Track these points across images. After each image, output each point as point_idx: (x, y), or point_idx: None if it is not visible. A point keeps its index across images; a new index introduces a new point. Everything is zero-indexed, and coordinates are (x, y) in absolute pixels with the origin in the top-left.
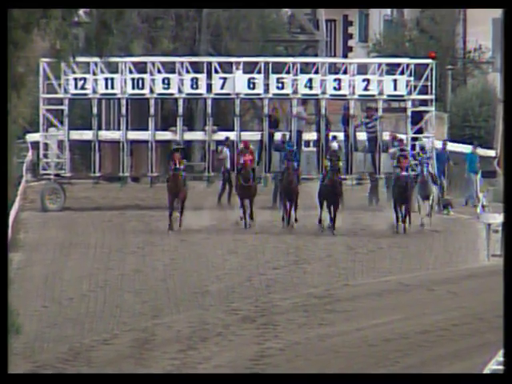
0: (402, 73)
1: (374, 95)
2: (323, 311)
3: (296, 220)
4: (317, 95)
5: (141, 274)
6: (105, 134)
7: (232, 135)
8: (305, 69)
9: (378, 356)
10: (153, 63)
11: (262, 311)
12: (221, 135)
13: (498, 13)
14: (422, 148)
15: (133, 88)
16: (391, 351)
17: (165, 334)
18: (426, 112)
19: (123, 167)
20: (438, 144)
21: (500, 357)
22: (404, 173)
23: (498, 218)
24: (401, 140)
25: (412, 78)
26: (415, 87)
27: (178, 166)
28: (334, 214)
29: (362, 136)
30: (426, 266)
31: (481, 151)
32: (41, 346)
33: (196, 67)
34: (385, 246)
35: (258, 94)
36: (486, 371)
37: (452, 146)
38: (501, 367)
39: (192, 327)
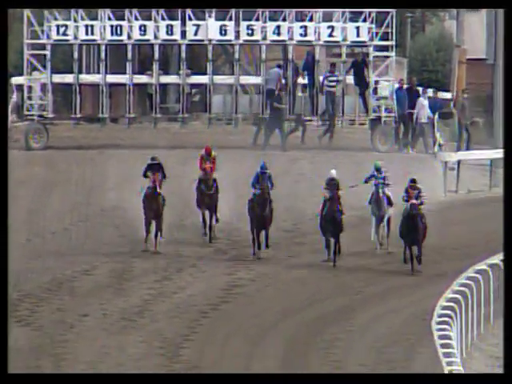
0: (365, 20)
1: (338, 41)
2: (291, 244)
3: (267, 246)
4: (284, 41)
5: (120, 209)
6: (85, 78)
7: (205, 79)
8: (273, 16)
9: (343, 286)
10: (130, 11)
11: (233, 244)
12: (194, 79)
13: None
14: (378, 169)
15: (111, 34)
16: (355, 281)
17: (142, 265)
18: (387, 57)
19: (103, 109)
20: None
21: (456, 286)
22: (414, 200)
23: (453, 157)
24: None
25: (374, 26)
26: (377, 34)
27: (158, 189)
28: (335, 245)
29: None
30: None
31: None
32: (25, 277)
33: (171, 15)
34: (349, 183)
35: (230, 40)
36: (443, 300)
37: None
38: (457, 295)
39: (168, 259)
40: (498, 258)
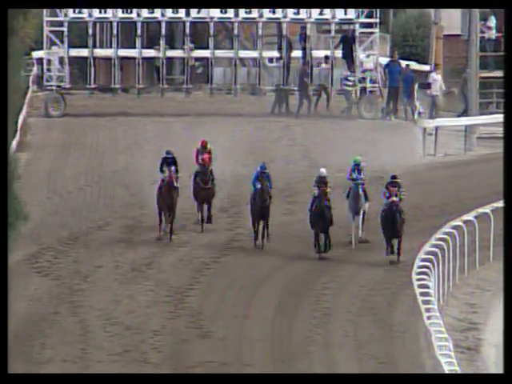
0: None
1: (327, 19)
2: (285, 202)
3: (268, 235)
4: (279, 19)
5: (130, 170)
6: (99, 52)
7: (207, 53)
8: None
9: (331, 241)
10: None
11: (233, 202)
12: (197, 53)
13: None
14: (357, 164)
15: (122, 12)
16: (344, 235)
17: (151, 221)
18: (372, 33)
19: (114, 80)
20: (383, 61)
21: (433, 240)
22: (394, 198)
23: (432, 123)
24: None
25: None
26: (362, 12)
27: (175, 183)
28: (325, 241)
29: (317, 53)
30: (371, 163)
31: (416, 66)
32: (45, 231)
33: None
34: (337, 146)
35: (229, 18)
36: (422, 253)
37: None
38: (435, 249)
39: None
40: (471, 215)
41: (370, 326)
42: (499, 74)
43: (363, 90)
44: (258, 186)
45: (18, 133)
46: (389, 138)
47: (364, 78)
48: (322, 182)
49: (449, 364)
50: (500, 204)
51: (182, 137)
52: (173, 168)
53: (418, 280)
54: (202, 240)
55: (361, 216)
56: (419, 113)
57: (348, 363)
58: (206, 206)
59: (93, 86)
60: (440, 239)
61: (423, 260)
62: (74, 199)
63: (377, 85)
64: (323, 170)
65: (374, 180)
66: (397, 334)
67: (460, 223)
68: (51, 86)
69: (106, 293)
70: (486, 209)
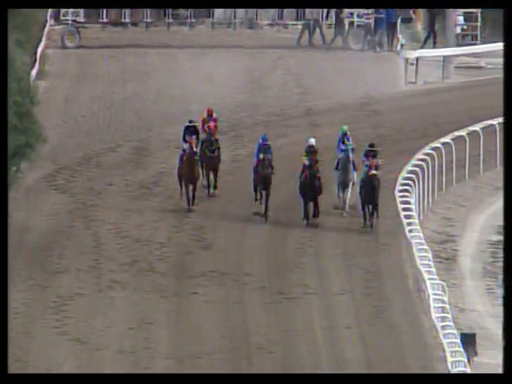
0: None
1: None
2: (280, 126)
3: (266, 211)
4: None
5: (139, 97)
6: None
7: None
8: None
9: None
10: None
11: (232, 126)
12: None
13: None
14: (345, 134)
15: None
16: (332, 159)
17: (157, 143)
18: None
19: (125, 15)
20: None
21: (414, 160)
22: (374, 171)
23: (413, 54)
24: None
25: None
26: None
27: (194, 149)
28: (314, 209)
29: None
30: (358, 91)
31: None
32: (61, 152)
33: None
34: (329, 75)
35: None
36: (404, 172)
37: None
38: (416, 168)
39: (176, 135)
40: (449, 138)
41: (358, 239)
42: (475, 9)
43: (351, 24)
44: (261, 156)
45: (37, 63)
46: (374, 67)
47: (351, 14)
48: (311, 151)
49: (429, 273)
50: (475, 127)
51: (185, 66)
52: (194, 137)
53: (401, 197)
54: None
55: (349, 190)
56: (402, 45)
57: (337, 273)
58: (212, 174)
59: (105, 20)
60: (420, 159)
61: (405, 179)
62: (87, 123)
63: (362, 20)
64: (312, 140)
65: (360, 106)
66: (382, 246)
67: (438, 145)
68: (67, 20)
69: (116, 208)
70: (462, 132)
